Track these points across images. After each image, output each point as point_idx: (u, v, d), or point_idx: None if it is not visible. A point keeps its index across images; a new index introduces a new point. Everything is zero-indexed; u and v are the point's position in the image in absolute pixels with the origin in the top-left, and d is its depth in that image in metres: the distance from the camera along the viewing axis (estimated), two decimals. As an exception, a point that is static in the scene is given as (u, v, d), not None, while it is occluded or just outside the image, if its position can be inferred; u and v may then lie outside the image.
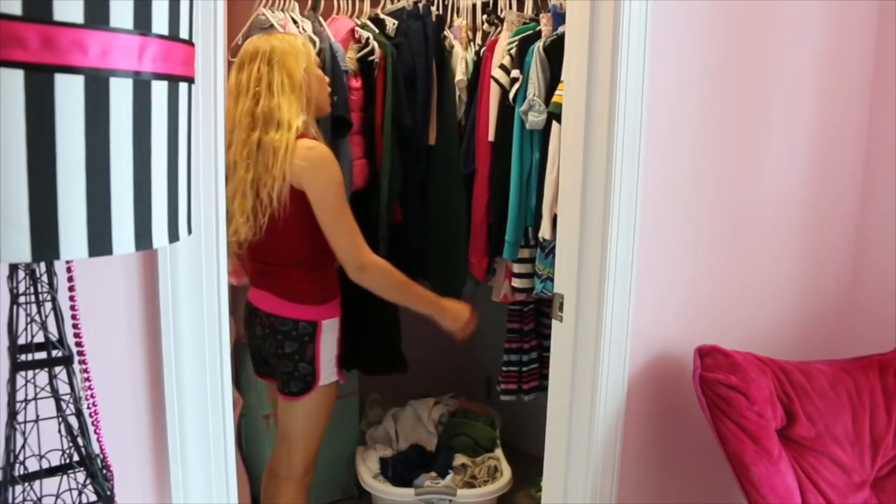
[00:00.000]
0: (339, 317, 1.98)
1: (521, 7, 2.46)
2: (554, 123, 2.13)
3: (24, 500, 0.92)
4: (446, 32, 2.53)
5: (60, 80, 0.71)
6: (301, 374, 1.94)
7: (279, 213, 1.79)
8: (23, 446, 0.90)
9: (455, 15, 2.63)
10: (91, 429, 0.96)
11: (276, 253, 1.91)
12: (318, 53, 2.28)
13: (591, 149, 1.58)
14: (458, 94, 2.49)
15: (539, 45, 2.19)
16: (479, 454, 2.71)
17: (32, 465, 0.93)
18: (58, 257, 0.75)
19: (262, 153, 1.79)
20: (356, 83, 2.37)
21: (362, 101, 2.39)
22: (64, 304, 0.93)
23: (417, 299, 1.96)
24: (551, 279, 2.06)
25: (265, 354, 2.01)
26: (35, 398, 0.90)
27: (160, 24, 0.78)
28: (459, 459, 2.66)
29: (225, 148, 1.78)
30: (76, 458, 0.92)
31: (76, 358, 0.94)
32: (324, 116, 2.04)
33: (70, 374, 0.91)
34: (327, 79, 2.00)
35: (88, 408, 0.98)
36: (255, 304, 2.00)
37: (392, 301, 1.97)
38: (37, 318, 0.88)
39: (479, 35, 2.60)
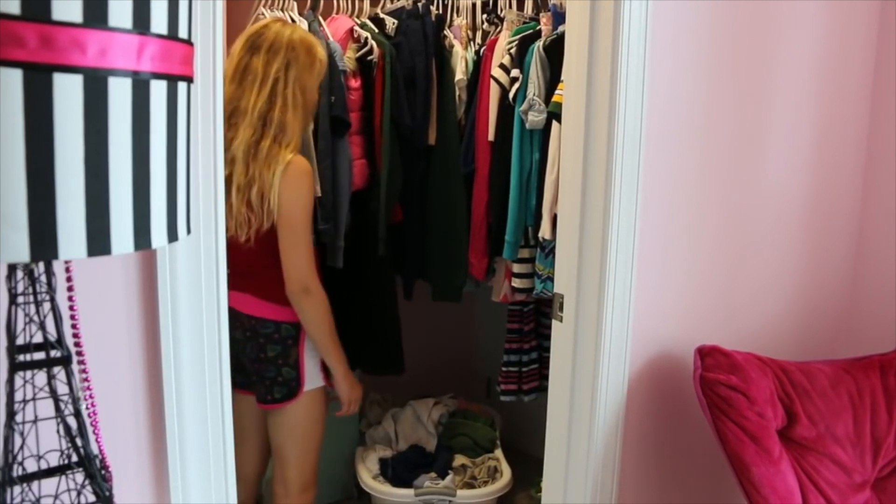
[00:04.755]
0: None
1: (520, 6, 2.46)
2: (554, 123, 2.13)
3: (23, 500, 0.91)
4: (446, 32, 2.53)
5: (59, 79, 0.71)
6: (285, 380, 1.89)
7: (265, 219, 1.77)
8: (21, 447, 0.90)
9: (455, 14, 2.63)
10: (90, 429, 0.95)
11: (259, 256, 1.86)
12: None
13: (591, 149, 1.58)
14: (457, 93, 2.49)
15: (539, 44, 2.19)
16: (479, 455, 2.71)
17: (31, 466, 0.92)
18: (56, 257, 0.75)
19: (264, 159, 1.76)
20: (355, 83, 2.36)
21: (361, 101, 2.39)
22: (62, 304, 0.92)
23: (334, 348, 1.90)
24: (551, 279, 2.06)
25: (244, 361, 1.94)
26: (34, 398, 0.90)
27: (159, 23, 0.78)
28: (459, 460, 2.66)
29: (228, 138, 1.77)
30: (75, 458, 0.92)
31: (75, 358, 0.94)
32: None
33: (69, 375, 0.90)
34: None
35: (87, 408, 0.98)
36: (235, 308, 1.92)
37: (310, 334, 1.89)
38: (35, 318, 0.88)
39: (478, 34, 2.60)
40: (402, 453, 2.68)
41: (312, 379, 1.92)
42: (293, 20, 2.30)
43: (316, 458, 2.01)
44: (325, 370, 1.96)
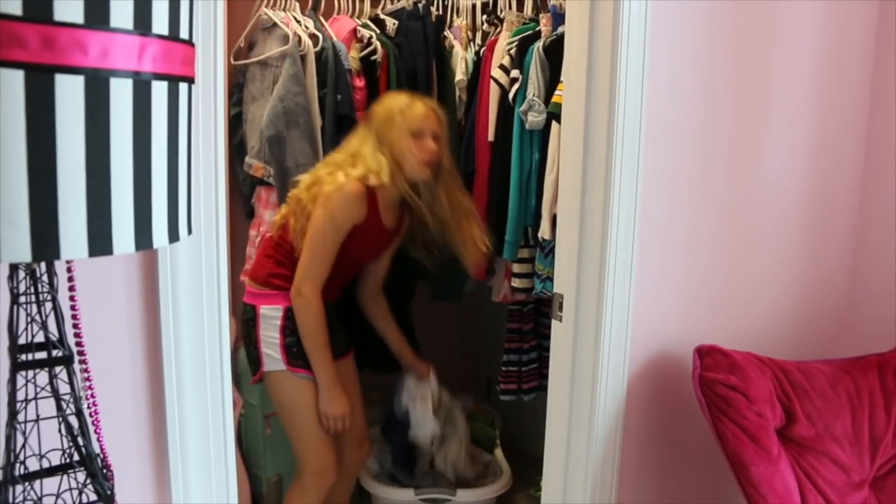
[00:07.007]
0: (283, 306, 1.98)
1: (520, 7, 2.46)
2: (553, 123, 2.13)
3: (25, 499, 0.92)
4: (446, 32, 2.53)
5: (61, 80, 0.71)
6: (252, 358, 2.03)
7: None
8: (23, 446, 0.91)
9: (455, 15, 2.63)
10: (91, 428, 0.96)
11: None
12: (321, 52, 2.29)
13: (590, 149, 1.58)
14: (457, 94, 2.49)
15: (539, 45, 2.19)
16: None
17: (33, 465, 0.93)
18: (58, 257, 0.75)
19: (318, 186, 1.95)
20: (360, 82, 2.38)
21: (366, 101, 2.39)
22: (64, 303, 0.93)
23: (319, 360, 1.97)
24: (551, 279, 2.06)
25: None
26: (35, 398, 0.91)
27: (160, 24, 0.78)
28: (459, 459, 2.66)
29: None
30: (76, 457, 0.92)
31: (76, 358, 0.94)
32: (418, 179, 2.05)
33: (70, 374, 0.91)
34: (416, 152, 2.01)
35: (88, 407, 0.98)
36: None
37: (301, 338, 1.97)
38: (37, 317, 0.88)
39: (478, 35, 2.60)
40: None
41: (271, 362, 2.00)
42: (297, 20, 2.31)
43: (321, 442, 2.05)
44: (288, 353, 1.99)
